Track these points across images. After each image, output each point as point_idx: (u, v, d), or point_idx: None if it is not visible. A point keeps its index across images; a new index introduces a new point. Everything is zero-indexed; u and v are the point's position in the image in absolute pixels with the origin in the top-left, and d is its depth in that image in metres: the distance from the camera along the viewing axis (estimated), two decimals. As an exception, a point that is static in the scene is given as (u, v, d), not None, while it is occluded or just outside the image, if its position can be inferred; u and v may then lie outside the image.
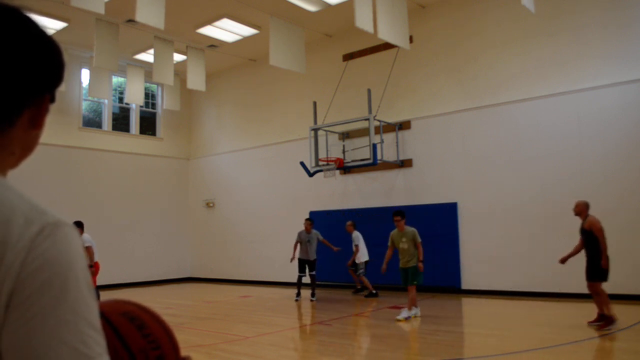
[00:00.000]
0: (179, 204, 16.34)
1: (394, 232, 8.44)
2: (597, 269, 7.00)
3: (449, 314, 8.97)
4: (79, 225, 11.84)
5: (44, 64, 0.86)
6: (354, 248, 11.34)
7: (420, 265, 8.15)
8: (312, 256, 11.03)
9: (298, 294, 10.99)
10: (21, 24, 0.84)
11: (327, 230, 12.87)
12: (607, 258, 6.96)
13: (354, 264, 11.39)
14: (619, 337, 6.49)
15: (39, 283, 0.73)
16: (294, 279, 11.53)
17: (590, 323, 7.10)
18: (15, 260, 0.73)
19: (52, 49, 0.88)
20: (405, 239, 8.21)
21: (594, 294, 7.17)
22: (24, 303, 0.72)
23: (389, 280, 11.66)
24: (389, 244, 8.48)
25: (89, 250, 9.43)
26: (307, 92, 13.51)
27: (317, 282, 11.43)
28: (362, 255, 11.28)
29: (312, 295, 10.90)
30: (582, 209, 7.30)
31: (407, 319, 7.99)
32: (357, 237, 11.36)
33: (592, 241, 7.07)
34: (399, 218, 8.28)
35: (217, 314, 9.63)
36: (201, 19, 12.17)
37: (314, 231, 11.21)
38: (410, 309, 8.14)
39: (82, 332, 0.73)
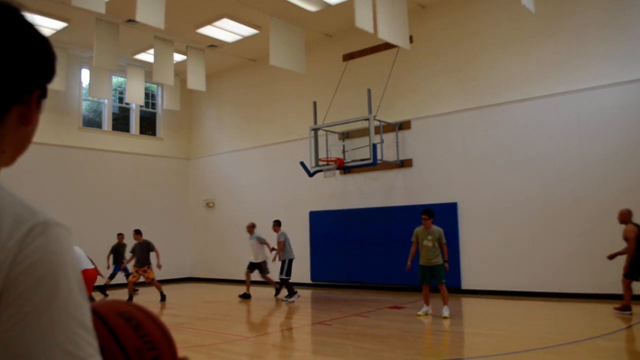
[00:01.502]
0: (179, 204, 16.33)
1: (419, 229, 8.52)
2: (634, 269, 7.78)
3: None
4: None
5: (30, 58, 0.81)
6: (264, 244, 11.58)
7: (447, 265, 8.41)
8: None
9: (288, 294, 10.95)
10: (3, 17, 0.78)
11: (327, 230, 12.89)
12: (628, 262, 7.82)
13: (259, 265, 11.59)
14: (619, 337, 6.49)
15: (29, 283, 0.71)
16: (294, 279, 11.50)
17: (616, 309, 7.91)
18: (4, 260, 0.71)
19: (39, 42, 0.82)
20: (431, 237, 8.33)
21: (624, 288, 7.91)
22: (15, 303, 0.70)
23: (389, 280, 11.66)
24: (413, 239, 8.56)
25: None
26: (307, 92, 13.50)
27: (319, 283, 11.38)
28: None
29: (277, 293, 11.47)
30: (626, 217, 8.02)
31: (446, 316, 8.13)
32: (259, 237, 11.63)
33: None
34: (426, 217, 8.42)
35: (217, 314, 9.63)
36: (201, 19, 12.16)
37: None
38: (446, 303, 8.32)
39: (74, 333, 0.72)
